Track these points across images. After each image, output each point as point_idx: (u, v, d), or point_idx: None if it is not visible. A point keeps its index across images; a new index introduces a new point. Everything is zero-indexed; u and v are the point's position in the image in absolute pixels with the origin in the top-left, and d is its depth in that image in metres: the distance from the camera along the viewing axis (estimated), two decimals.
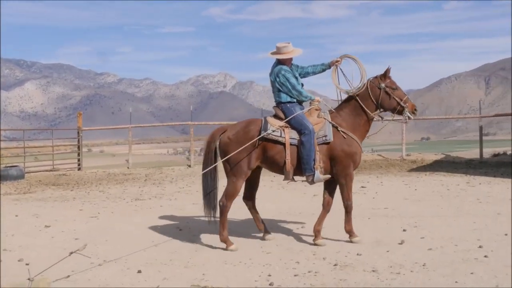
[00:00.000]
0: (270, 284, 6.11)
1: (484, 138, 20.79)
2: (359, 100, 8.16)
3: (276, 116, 8.21)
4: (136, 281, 6.36)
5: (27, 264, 7.12)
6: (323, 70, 8.44)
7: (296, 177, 8.28)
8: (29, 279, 5.61)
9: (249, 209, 8.60)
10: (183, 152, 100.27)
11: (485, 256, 6.97)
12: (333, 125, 8.05)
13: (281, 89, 8.16)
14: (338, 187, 8.24)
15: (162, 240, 8.40)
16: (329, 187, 8.31)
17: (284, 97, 8.17)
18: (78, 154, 21.65)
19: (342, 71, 8.39)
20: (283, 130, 7.99)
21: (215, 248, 7.85)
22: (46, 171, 20.20)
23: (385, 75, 8.22)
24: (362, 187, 13.93)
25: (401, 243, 7.80)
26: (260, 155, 8.06)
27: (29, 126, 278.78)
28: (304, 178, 8.19)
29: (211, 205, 8.35)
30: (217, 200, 8.28)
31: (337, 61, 8.35)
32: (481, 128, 21.65)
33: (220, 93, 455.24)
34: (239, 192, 8.17)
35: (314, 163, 7.88)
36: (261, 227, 8.54)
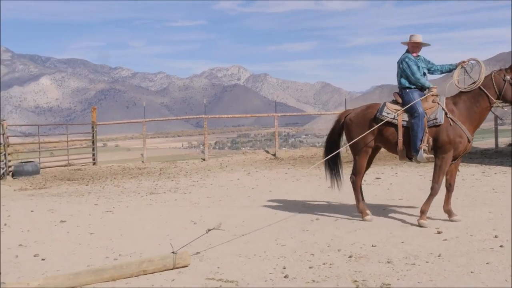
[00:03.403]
0: (285, 277, 6.11)
1: (500, 127, 20.64)
2: (483, 89, 8.52)
3: (394, 101, 9.04)
4: (151, 275, 6.38)
5: (43, 260, 7.18)
6: (450, 70, 9.07)
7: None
8: (173, 252, 6.52)
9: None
10: (197, 146, 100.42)
11: (501, 246, 6.93)
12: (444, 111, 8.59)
13: (402, 74, 9.00)
14: (455, 168, 8.91)
15: (176, 234, 8.43)
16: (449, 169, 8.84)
17: (403, 82, 8.99)
18: (93, 149, 21.74)
19: (466, 71, 8.91)
20: (397, 113, 8.78)
21: (230, 241, 7.85)
22: (61, 166, 20.32)
23: (511, 69, 8.57)
24: (377, 178, 13.88)
25: (416, 234, 7.79)
26: (376, 136, 8.99)
27: (44, 121, 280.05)
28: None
29: (334, 179, 9.82)
30: (340, 176, 9.79)
31: (464, 62, 8.90)
32: (496, 118, 21.44)
33: (234, 86, 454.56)
34: (364, 168, 9.33)
35: (421, 143, 8.54)
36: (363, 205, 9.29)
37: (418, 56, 9.11)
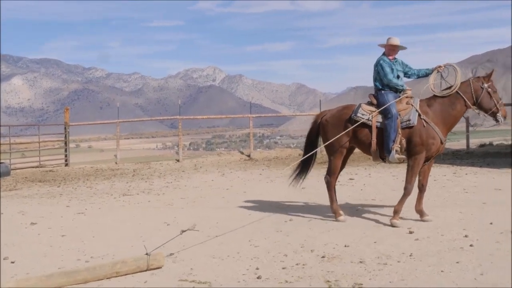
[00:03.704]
0: (258, 278, 6.11)
1: (471, 128, 20.88)
2: (460, 93, 8.62)
3: (369, 103, 9.14)
4: (123, 278, 6.33)
5: (12, 262, 7.05)
6: (426, 75, 9.19)
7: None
8: (146, 253, 6.50)
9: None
10: (172, 147, 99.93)
11: (471, 245, 7.03)
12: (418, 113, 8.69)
13: (377, 76, 9.12)
14: (428, 169, 9.05)
15: (150, 235, 8.38)
16: (422, 170, 8.93)
17: (378, 84, 9.11)
18: (66, 150, 21.54)
19: (442, 76, 9.02)
20: (372, 114, 8.85)
21: (203, 242, 7.83)
22: (33, 167, 20.08)
23: (489, 77, 8.72)
24: (350, 179, 13.96)
25: (388, 234, 7.86)
26: (351, 137, 9.05)
27: (16, 122, 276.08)
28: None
29: (298, 178, 9.87)
30: (306, 174, 9.88)
31: (440, 67, 9.02)
32: (467, 119, 21.69)
33: (209, 87, 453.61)
34: (338, 168, 9.37)
35: (393, 144, 8.65)
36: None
37: (395, 59, 9.20)
